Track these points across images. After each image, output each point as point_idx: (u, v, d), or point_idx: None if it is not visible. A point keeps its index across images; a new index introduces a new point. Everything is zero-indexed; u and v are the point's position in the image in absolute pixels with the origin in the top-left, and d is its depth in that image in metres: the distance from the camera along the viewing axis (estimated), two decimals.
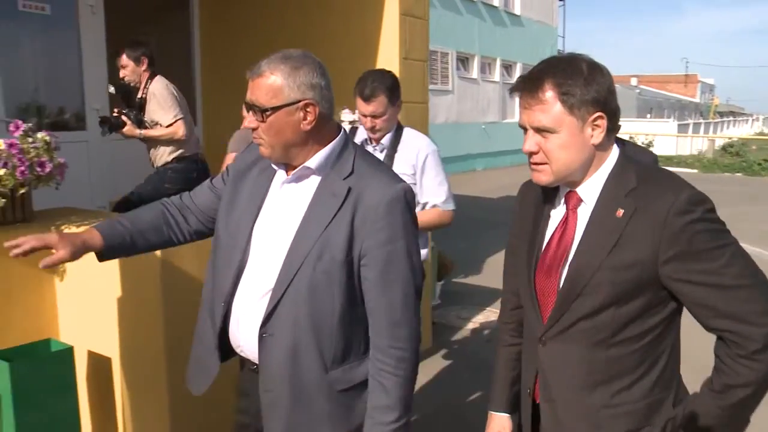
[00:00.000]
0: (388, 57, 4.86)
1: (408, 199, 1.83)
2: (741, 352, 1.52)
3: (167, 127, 4.60)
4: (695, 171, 20.72)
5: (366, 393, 1.86)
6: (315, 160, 1.84)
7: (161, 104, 4.58)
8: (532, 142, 1.62)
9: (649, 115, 40.72)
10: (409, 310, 1.83)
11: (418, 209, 3.21)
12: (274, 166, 1.92)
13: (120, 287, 3.04)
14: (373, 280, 1.80)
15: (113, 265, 2.93)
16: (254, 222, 1.90)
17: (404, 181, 1.86)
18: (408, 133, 3.34)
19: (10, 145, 3.08)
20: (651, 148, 3.13)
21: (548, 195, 1.75)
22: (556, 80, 1.56)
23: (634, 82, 50.13)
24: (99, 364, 3.15)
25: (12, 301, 3.02)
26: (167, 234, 2.08)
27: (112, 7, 5.37)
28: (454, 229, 5.02)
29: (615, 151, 1.66)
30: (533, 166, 1.66)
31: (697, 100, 56.90)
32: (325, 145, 1.85)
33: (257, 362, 1.88)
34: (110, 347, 3.11)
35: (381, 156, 3.23)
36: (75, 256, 1.89)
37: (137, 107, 4.66)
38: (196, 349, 2.04)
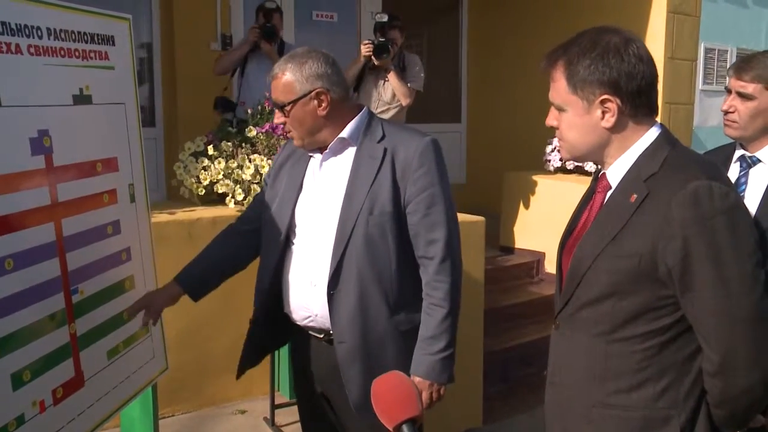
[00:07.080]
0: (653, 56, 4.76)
1: (436, 148, 2.00)
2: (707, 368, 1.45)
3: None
4: None
5: None
6: (347, 131, 2.02)
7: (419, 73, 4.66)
8: (551, 116, 1.59)
9: None
10: (452, 248, 1.99)
11: None
12: (310, 153, 2.09)
13: None
14: (418, 224, 1.97)
15: None
16: (296, 201, 2.07)
17: (429, 135, 2.03)
18: None
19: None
20: None
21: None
22: (567, 57, 1.50)
23: None
24: None
25: None
26: (240, 260, 2.27)
27: (390, 10, 5.82)
28: None
29: (652, 134, 1.52)
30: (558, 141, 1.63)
31: None
32: (349, 122, 2.02)
33: (329, 324, 2.03)
34: None
35: None
36: (163, 308, 2.25)
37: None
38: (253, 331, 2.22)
